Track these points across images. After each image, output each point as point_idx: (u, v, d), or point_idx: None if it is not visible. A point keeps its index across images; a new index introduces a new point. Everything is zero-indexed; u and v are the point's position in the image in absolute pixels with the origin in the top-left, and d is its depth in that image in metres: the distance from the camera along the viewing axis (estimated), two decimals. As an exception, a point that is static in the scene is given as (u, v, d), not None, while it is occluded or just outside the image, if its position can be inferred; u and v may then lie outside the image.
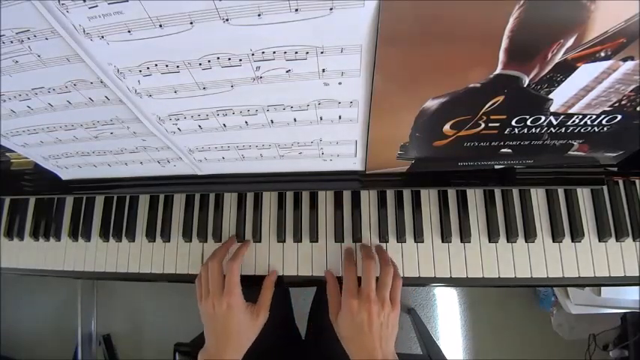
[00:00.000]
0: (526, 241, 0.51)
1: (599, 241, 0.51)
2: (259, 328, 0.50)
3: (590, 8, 0.25)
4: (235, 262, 0.49)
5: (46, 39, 0.30)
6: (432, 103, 0.34)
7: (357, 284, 0.46)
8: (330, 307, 0.49)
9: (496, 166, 0.46)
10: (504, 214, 0.52)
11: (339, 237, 0.54)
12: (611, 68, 0.30)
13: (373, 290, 0.44)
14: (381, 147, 0.42)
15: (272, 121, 0.39)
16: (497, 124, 0.37)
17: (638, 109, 0.34)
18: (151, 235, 0.58)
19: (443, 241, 0.52)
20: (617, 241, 0.51)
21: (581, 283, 0.52)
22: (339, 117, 0.38)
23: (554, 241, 0.51)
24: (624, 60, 0.29)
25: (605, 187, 0.52)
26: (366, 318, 0.43)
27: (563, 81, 0.31)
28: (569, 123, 0.37)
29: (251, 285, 0.52)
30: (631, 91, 0.32)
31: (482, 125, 0.37)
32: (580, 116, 0.36)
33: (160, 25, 0.27)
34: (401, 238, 0.53)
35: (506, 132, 0.38)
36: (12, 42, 0.30)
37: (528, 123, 0.37)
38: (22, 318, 1.49)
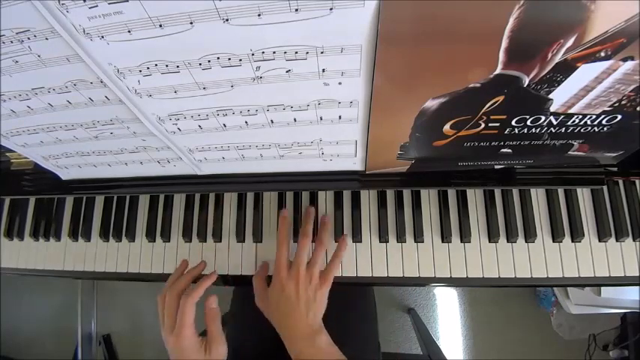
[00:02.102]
0: (526, 241, 0.51)
1: (599, 241, 0.51)
2: None
3: (590, 8, 0.25)
4: (189, 300, 0.45)
5: (46, 39, 0.30)
6: (432, 103, 0.34)
7: (288, 261, 0.48)
8: (256, 292, 0.50)
9: (496, 166, 0.47)
10: (504, 214, 0.52)
11: (338, 237, 0.54)
12: (611, 68, 0.30)
13: (303, 265, 0.47)
14: (381, 147, 0.42)
15: (272, 121, 0.39)
16: (497, 124, 0.37)
17: (638, 109, 0.34)
18: (150, 235, 0.58)
19: (443, 241, 0.52)
20: (617, 241, 0.51)
21: (581, 283, 0.52)
22: (339, 117, 0.38)
23: (554, 241, 0.51)
24: (624, 60, 0.29)
25: (605, 187, 0.52)
26: (294, 290, 0.45)
27: (563, 81, 0.31)
28: (569, 123, 0.37)
29: (251, 285, 0.52)
30: (631, 91, 0.32)
31: (483, 125, 0.37)
32: (580, 116, 0.36)
33: (160, 25, 0.27)
34: (401, 238, 0.53)
35: (506, 132, 0.38)
36: (12, 42, 0.30)
37: (528, 123, 0.37)
38: (22, 318, 1.49)
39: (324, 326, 0.46)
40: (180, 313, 0.45)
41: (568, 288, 0.91)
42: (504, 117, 0.36)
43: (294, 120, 0.38)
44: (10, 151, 0.48)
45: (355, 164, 0.47)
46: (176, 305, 0.46)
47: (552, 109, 0.35)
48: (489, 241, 0.52)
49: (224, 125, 0.39)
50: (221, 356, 0.46)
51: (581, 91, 0.33)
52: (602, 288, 0.80)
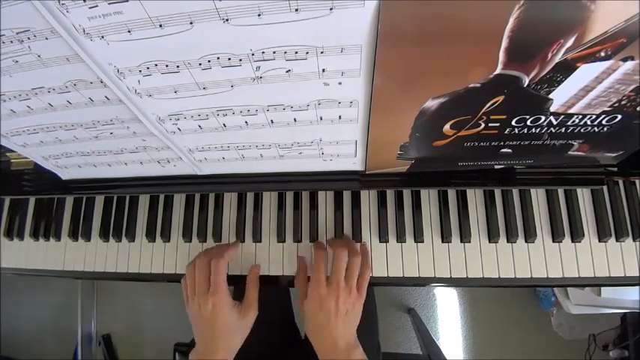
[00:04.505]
0: (526, 241, 0.51)
1: (599, 241, 0.51)
2: (249, 326, 0.49)
3: (590, 8, 0.25)
4: (221, 261, 0.48)
5: (46, 39, 0.30)
6: (431, 103, 0.34)
7: (325, 274, 0.47)
8: (298, 296, 0.50)
9: (496, 166, 0.47)
10: (504, 214, 0.52)
11: (339, 237, 0.54)
12: (611, 68, 0.30)
13: (342, 280, 0.46)
14: (381, 147, 0.42)
15: (272, 121, 0.39)
16: (497, 124, 0.37)
17: (638, 109, 0.34)
18: (150, 235, 0.58)
19: (443, 241, 0.52)
20: (617, 241, 0.51)
21: (581, 283, 0.52)
22: (339, 117, 0.38)
23: (554, 241, 0.51)
24: (624, 60, 0.29)
25: (605, 187, 0.52)
26: (334, 305, 0.45)
27: (563, 81, 0.31)
28: (569, 123, 0.37)
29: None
30: (631, 91, 0.32)
31: (483, 125, 0.37)
32: (580, 116, 0.36)
33: (160, 25, 0.27)
34: (401, 238, 0.53)
35: (506, 132, 0.38)
36: (12, 42, 0.30)
37: (528, 123, 0.37)
38: (22, 318, 1.49)
39: (358, 340, 0.47)
40: (214, 274, 0.47)
41: (568, 288, 0.91)
42: (504, 117, 0.36)
43: (294, 120, 0.38)
44: (10, 151, 0.48)
45: (355, 164, 0.47)
46: (208, 270, 0.48)
47: (552, 109, 0.35)
48: (489, 241, 0.52)
49: (224, 125, 0.39)
50: (252, 320, 0.49)
51: (581, 91, 0.33)
52: (602, 288, 0.80)
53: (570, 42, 0.27)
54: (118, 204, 0.61)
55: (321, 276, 0.47)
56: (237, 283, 0.53)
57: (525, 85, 0.32)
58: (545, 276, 0.50)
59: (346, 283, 0.46)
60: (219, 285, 0.47)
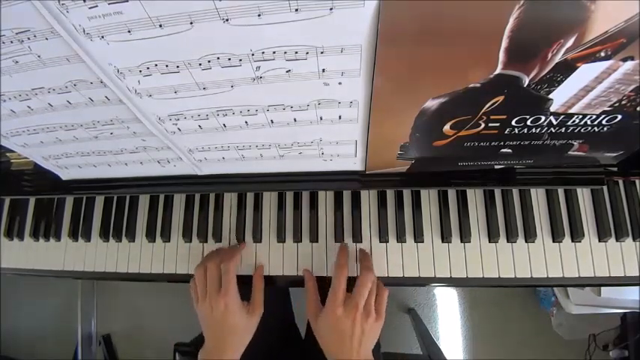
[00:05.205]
0: (526, 241, 0.51)
1: (599, 241, 0.51)
2: (255, 325, 0.50)
3: (590, 8, 0.25)
4: (231, 263, 0.49)
5: (46, 39, 0.30)
6: (432, 103, 0.34)
7: (345, 292, 0.46)
8: (308, 306, 0.50)
9: (496, 166, 0.46)
10: (504, 214, 0.52)
11: (339, 237, 0.54)
12: (611, 68, 0.30)
13: (362, 303, 0.45)
14: (381, 147, 0.42)
15: (272, 121, 0.39)
16: (498, 124, 0.37)
17: (638, 109, 0.34)
18: (150, 235, 0.58)
19: (443, 241, 0.52)
20: (617, 241, 0.51)
21: (581, 283, 0.52)
22: (339, 117, 0.38)
23: (554, 241, 0.51)
24: (624, 60, 0.29)
25: (605, 187, 0.52)
26: (350, 326, 0.44)
27: (564, 81, 0.31)
28: (569, 123, 0.37)
29: (250, 284, 0.52)
30: (631, 91, 0.32)
31: (483, 125, 0.37)
32: (580, 116, 0.36)
33: (160, 25, 0.27)
34: (401, 238, 0.53)
35: (506, 132, 0.38)
36: (12, 42, 0.30)
37: (528, 123, 0.37)
38: (22, 318, 1.49)
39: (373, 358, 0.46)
40: (225, 274, 0.48)
41: (568, 288, 0.91)
42: (504, 117, 0.36)
43: (294, 120, 0.38)
44: (10, 151, 0.48)
45: (355, 164, 0.47)
46: (218, 271, 0.49)
47: (552, 109, 0.35)
48: (489, 241, 0.52)
49: (224, 125, 0.39)
50: (258, 319, 0.51)
51: (581, 91, 0.33)
52: (602, 288, 0.80)
53: (570, 42, 0.27)
54: (118, 204, 0.61)
55: (341, 296, 0.45)
56: (239, 282, 0.54)
57: (525, 85, 0.32)
58: (545, 276, 0.50)
59: (365, 307, 0.45)
60: (230, 287, 0.47)
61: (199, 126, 0.40)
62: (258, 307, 0.50)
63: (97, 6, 0.26)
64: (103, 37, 0.29)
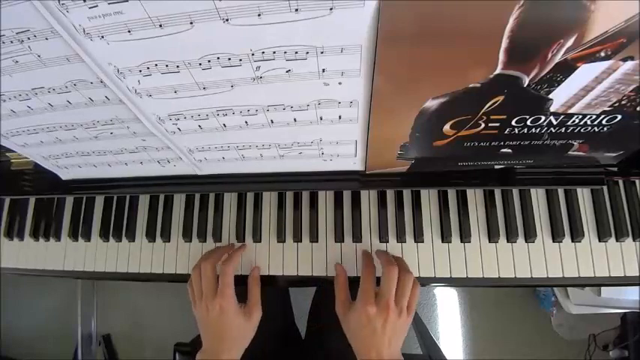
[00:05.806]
0: (526, 241, 0.51)
1: (599, 241, 0.51)
2: (254, 327, 0.50)
3: (590, 8, 0.25)
4: (229, 264, 0.48)
5: (46, 39, 0.30)
6: (431, 103, 0.34)
7: (375, 290, 0.46)
8: (338, 301, 0.48)
9: (496, 166, 0.46)
10: (504, 214, 0.52)
11: (339, 237, 0.54)
12: (611, 68, 0.30)
13: (393, 298, 0.44)
14: (381, 147, 0.42)
15: (272, 121, 0.39)
16: (497, 124, 0.37)
17: (638, 109, 0.34)
18: (150, 235, 0.58)
19: (443, 241, 0.52)
20: (617, 241, 0.51)
21: (581, 283, 0.52)
22: (339, 117, 0.38)
23: (554, 241, 0.51)
24: (624, 60, 0.29)
25: (605, 187, 0.52)
26: (381, 324, 0.43)
27: (563, 81, 0.31)
28: (569, 123, 0.37)
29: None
30: (631, 91, 0.32)
31: (482, 125, 0.37)
32: (580, 116, 0.36)
33: (160, 25, 0.27)
34: (401, 238, 0.53)
35: (506, 132, 0.38)
36: (12, 42, 0.30)
37: (528, 123, 0.37)
38: (22, 318, 1.49)
39: (401, 354, 0.46)
40: (222, 276, 0.48)
41: (568, 288, 0.91)
42: (504, 117, 0.36)
43: (294, 120, 0.38)
44: (10, 151, 0.48)
45: (355, 164, 0.47)
46: (214, 272, 0.48)
47: (552, 109, 0.35)
48: (489, 241, 0.52)
49: (224, 125, 0.39)
50: (257, 321, 0.50)
51: (581, 91, 0.33)
52: (602, 288, 0.80)
53: (570, 42, 0.27)
54: (118, 204, 0.61)
55: (371, 293, 0.45)
56: (236, 283, 0.53)
57: (525, 85, 0.32)
58: (545, 276, 0.50)
59: (396, 304, 0.44)
60: (226, 288, 0.47)
61: (199, 126, 0.40)
62: (255, 310, 0.50)
63: (97, 6, 0.26)
64: (103, 36, 0.29)
